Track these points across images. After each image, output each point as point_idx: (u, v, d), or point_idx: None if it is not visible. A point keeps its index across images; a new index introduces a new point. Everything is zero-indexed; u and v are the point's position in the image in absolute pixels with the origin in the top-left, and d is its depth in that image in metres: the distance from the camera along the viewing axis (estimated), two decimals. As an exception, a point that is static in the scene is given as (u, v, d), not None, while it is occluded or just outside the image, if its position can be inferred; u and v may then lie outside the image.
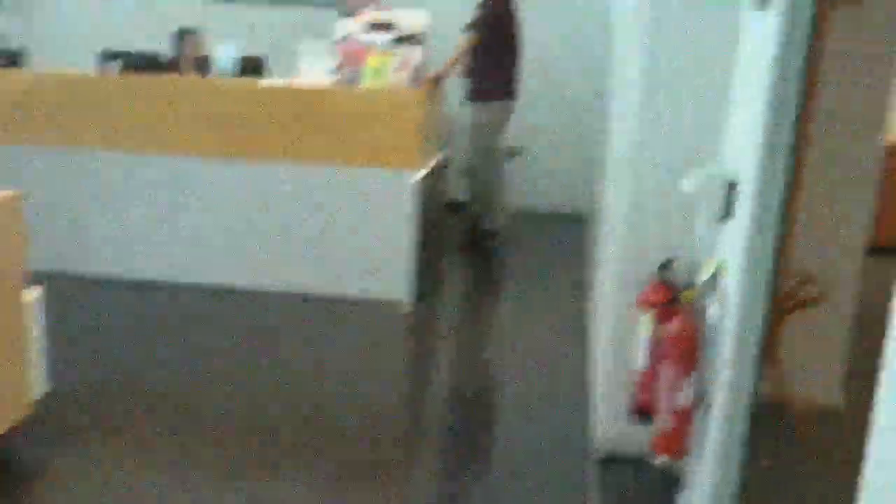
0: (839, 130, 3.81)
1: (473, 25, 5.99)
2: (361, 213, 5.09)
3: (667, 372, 3.10)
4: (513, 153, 6.79)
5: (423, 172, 5.16)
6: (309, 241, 5.16)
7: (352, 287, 5.16)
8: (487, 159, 6.34)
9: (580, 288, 5.61)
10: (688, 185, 3.19)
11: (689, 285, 3.27)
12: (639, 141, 3.42)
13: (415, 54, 5.14)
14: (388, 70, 5.02)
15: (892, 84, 3.84)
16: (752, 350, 2.83)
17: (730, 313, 2.89)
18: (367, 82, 5.08)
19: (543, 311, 5.28)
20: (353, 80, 5.11)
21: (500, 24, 6.09)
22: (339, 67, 5.11)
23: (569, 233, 6.95)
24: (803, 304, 3.34)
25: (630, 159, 3.48)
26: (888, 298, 5.34)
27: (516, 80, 6.31)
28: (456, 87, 6.23)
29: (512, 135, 6.58)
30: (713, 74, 3.28)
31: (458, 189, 6.44)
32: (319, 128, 5.06)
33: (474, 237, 6.44)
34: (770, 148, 2.71)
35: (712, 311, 3.01)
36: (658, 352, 3.19)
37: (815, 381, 3.94)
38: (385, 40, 5.14)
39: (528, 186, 7.27)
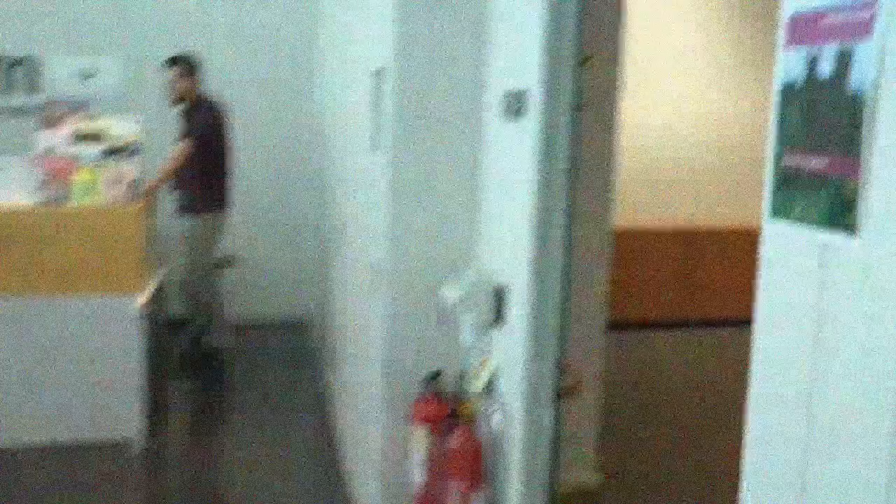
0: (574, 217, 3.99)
1: (186, 135, 5.70)
2: (81, 347, 4.54)
3: (454, 488, 2.99)
4: (228, 263, 6.50)
5: (145, 295, 4.73)
6: (21, 384, 4.51)
7: (76, 431, 4.56)
8: (204, 273, 6.01)
9: (320, 402, 5.39)
10: (450, 292, 3.15)
11: (462, 395, 3.21)
12: (391, 250, 3.35)
13: (129, 167, 4.75)
14: (100, 185, 4.59)
15: (614, 173, 4.11)
16: (545, 454, 2.80)
17: (515, 419, 2.85)
18: (78, 200, 4.61)
19: (284, 431, 4.99)
20: (60, 199, 4.62)
21: (212, 133, 5.85)
22: (43, 185, 4.59)
23: (297, 342, 6.72)
24: (561, 395, 3.38)
25: (384, 269, 3.39)
26: (628, 373, 5.66)
27: (229, 189, 6.07)
28: (166, 199, 5.86)
29: (227, 245, 6.29)
30: (461, 181, 3.30)
31: (176, 307, 6.01)
32: (24, 255, 4.49)
33: (199, 357, 6.02)
34: (543, 250, 2.74)
35: (496, 419, 2.95)
36: (440, 468, 3.08)
37: (574, 463, 4.01)
38: (94, 153, 4.71)
39: (248, 297, 6.97)
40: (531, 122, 2.71)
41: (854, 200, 1.25)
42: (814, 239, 1.33)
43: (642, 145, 7.23)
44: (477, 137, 3.27)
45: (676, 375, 5.97)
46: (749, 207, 7.50)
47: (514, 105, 2.84)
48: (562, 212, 2.71)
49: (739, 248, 7.16)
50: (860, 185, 1.25)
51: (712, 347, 6.67)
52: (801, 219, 1.37)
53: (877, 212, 1.22)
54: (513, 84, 2.88)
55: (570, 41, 2.62)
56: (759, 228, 7.30)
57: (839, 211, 1.29)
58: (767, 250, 1.46)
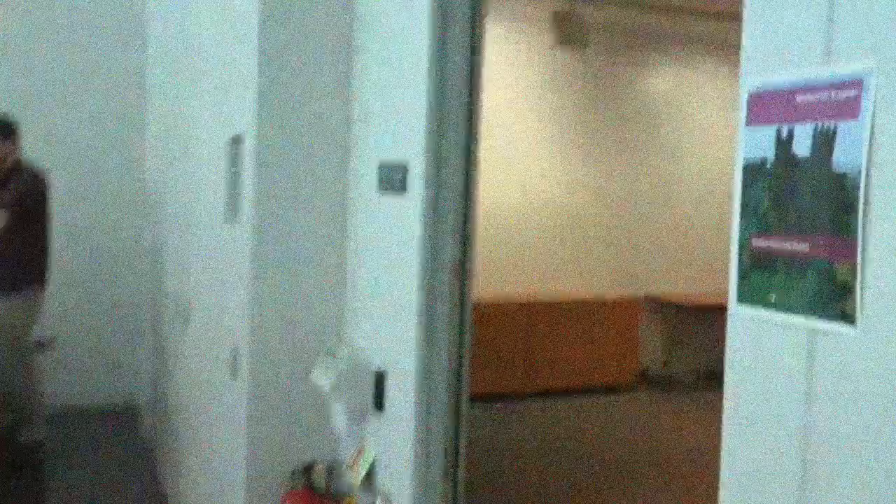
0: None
1: (1, 205, 5.18)
2: None
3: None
4: (45, 346, 5.93)
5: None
6: None
7: None
8: (18, 358, 5.44)
9: (161, 501, 4.93)
10: (322, 377, 2.94)
11: (338, 488, 2.98)
12: (252, 332, 3.10)
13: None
14: None
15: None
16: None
17: (401, 513, 2.65)
18: None
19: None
20: None
21: (32, 204, 5.36)
22: None
23: (127, 432, 6.18)
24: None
25: (245, 352, 3.14)
26: (491, 444, 5.53)
27: (47, 265, 5.56)
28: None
29: (43, 325, 5.74)
30: (329, 257, 3.11)
31: (-14, 397, 5.38)
32: None
33: (13, 453, 5.40)
34: (430, 331, 2.59)
35: (379, 513, 2.74)
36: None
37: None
38: None
39: (69, 381, 6.36)
40: (415, 197, 2.57)
41: (850, 285, 1.18)
42: (798, 326, 1.25)
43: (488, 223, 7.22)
44: (346, 210, 3.10)
45: (536, 446, 5.92)
46: (591, 279, 7.66)
47: (394, 178, 2.70)
48: (452, 290, 2.57)
49: (584, 318, 7.28)
50: (856, 268, 1.18)
51: (561, 417, 6.70)
52: (781, 305, 1.29)
53: (876, 297, 1.15)
54: (391, 155, 2.75)
55: (459, 107, 2.51)
56: (604, 298, 7.48)
57: (831, 297, 1.21)
58: (737, 336, 1.38)
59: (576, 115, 7.66)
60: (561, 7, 7.09)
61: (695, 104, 7.90)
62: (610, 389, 7.32)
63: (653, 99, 7.89)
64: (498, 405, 6.64)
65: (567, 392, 7.11)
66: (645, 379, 7.67)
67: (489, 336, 6.67)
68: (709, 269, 7.37)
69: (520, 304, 7.12)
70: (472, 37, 2.41)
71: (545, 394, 7.02)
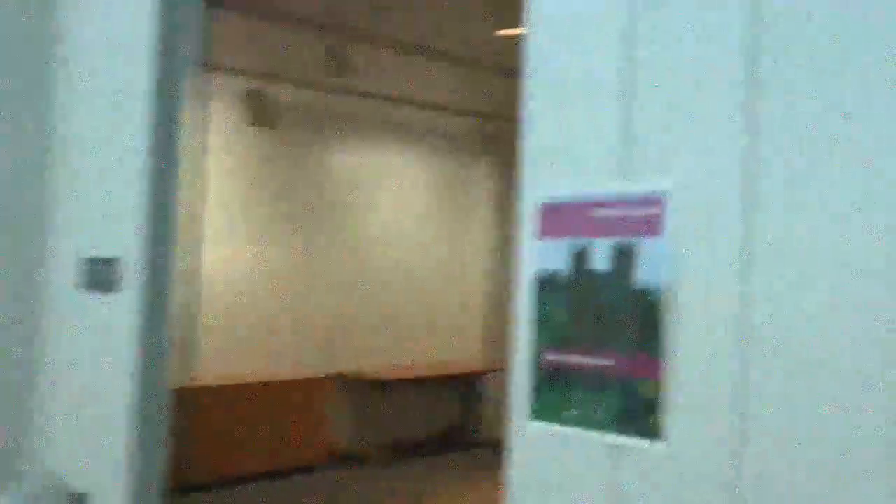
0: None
1: None
2: None
3: None
4: None
5: None
6: None
7: None
8: None
9: None
10: (6, 500, 2.53)
11: None
12: None
13: None
14: None
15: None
16: None
17: None
18: None
19: None
20: None
21: None
22: None
23: None
24: None
25: None
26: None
27: None
28: None
29: None
30: (13, 367, 2.70)
31: None
32: None
33: None
34: (144, 444, 2.31)
35: None
36: None
37: None
38: None
39: None
40: (131, 294, 2.31)
41: (654, 401, 1.18)
42: (600, 442, 1.23)
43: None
44: (39, 312, 2.70)
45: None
46: (285, 359, 7.47)
47: (104, 274, 2.41)
48: (163, 391, 2.33)
49: (276, 399, 7.09)
50: (661, 384, 1.17)
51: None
52: (580, 421, 1.26)
53: (682, 411, 1.15)
54: (100, 249, 2.45)
55: (176, 196, 2.31)
56: (294, 378, 7.29)
57: (635, 412, 1.20)
58: (529, 454, 1.33)
59: (270, 195, 7.54)
60: (253, 86, 7.02)
61: (384, 183, 8.10)
62: (303, 469, 7.17)
63: (343, 178, 7.96)
64: (194, 495, 6.21)
65: (264, 476, 6.86)
66: (335, 456, 7.58)
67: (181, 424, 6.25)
68: (396, 345, 7.53)
69: (212, 388, 6.79)
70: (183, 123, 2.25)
71: (244, 479, 6.70)
